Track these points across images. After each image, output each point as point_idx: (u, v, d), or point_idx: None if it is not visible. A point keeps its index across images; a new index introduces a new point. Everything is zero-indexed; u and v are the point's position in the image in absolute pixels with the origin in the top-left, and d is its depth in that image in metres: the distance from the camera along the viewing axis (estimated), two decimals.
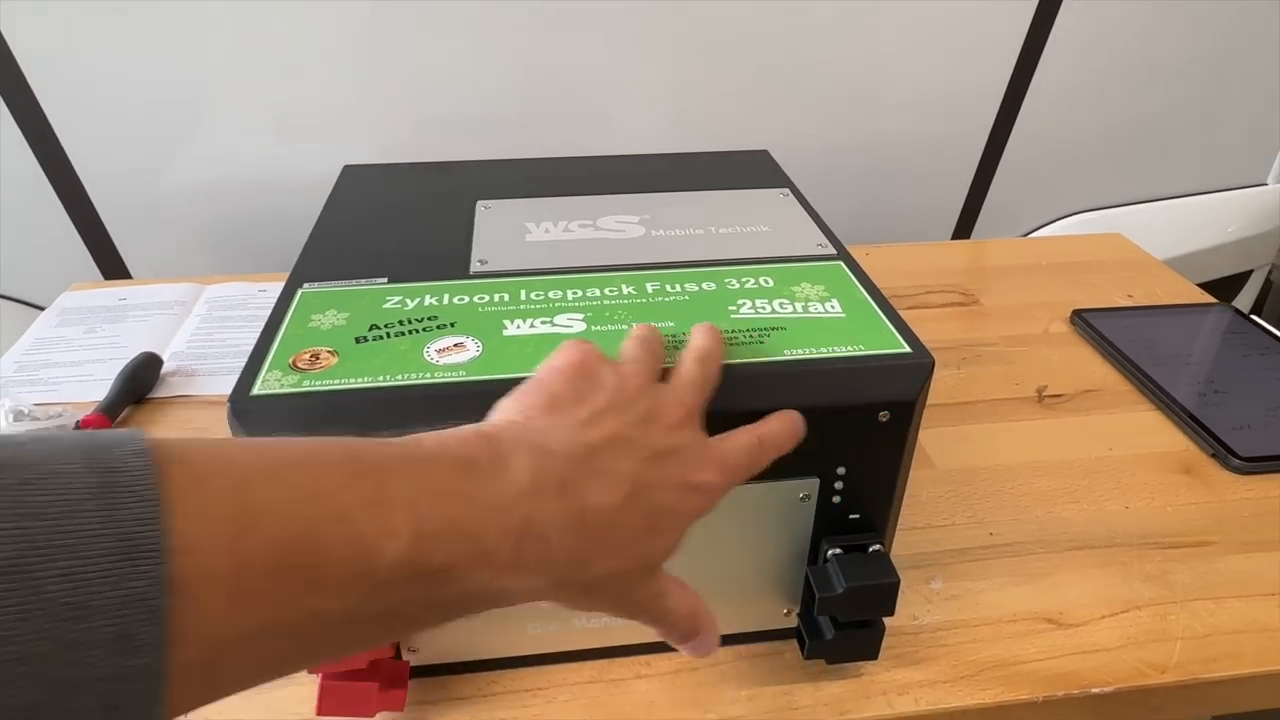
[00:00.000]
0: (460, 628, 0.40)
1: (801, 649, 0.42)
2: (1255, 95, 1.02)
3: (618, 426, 0.29)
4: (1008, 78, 0.94)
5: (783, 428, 0.35)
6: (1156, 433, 0.60)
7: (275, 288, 0.78)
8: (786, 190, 0.56)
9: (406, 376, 0.36)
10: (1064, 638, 0.45)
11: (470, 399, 0.35)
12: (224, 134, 0.83)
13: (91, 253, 0.87)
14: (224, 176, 0.85)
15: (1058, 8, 0.90)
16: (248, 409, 0.34)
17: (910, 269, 0.81)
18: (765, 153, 0.63)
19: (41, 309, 0.87)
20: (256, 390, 0.35)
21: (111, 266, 0.89)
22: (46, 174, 0.82)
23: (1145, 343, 0.68)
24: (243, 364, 0.67)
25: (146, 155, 0.83)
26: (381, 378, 0.36)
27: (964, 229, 1.06)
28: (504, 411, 0.30)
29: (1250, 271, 1.20)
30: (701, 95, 0.89)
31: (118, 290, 0.76)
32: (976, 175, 1.01)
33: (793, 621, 0.43)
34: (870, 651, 0.41)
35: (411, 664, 0.41)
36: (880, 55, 0.89)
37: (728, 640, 0.44)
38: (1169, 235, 1.08)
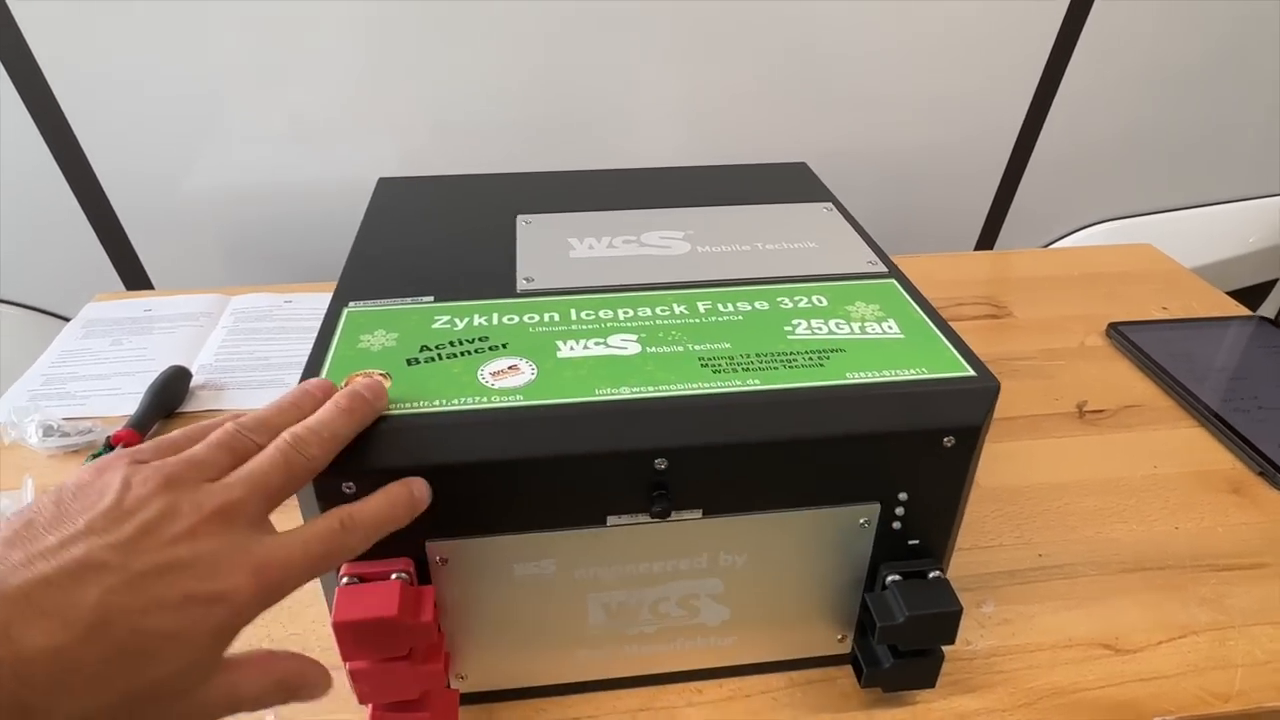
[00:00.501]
0: (508, 653, 0.40)
1: (857, 676, 0.41)
2: (1277, 104, 1.02)
3: (91, 550, 0.26)
4: (1034, 84, 0.93)
5: (392, 501, 0.32)
6: (1202, 450, 0.59)
7: (301, 299, 0.78)
8: (830, 205, 0.55)
9: (463, 401, 0.35)
10: (1122, 664, 0.44)
11: (529, 424, 0.35)
12: (243, 140, 0.82)
13: (112, 260, 0.87)
14: (242, 182, 0.85)
15: (1086, 13, 0.89)
16: None
17: (939, 279, 0.80)
18: (804, 165, 0.62)
19: (62, 318, 0.87)
20: None
21: (132, 274, 0.88)
22: (68, 180, 0.81)
23: (1184, 356, 0.67)
24: (272, 377, 0.66)
25: (167, 162, 0.82)
26: (438, 402, 0.35)
27: (988, 237, 1.05)
28: None
29: (1274, 281, 1.19)
30: (720, 101, 0.88)
31: (142, 301, 0.75)
32: (1002, 183, 1.00)
33: (847, 647, 0.42)
34: (928, 680, 0.41)
35: (460, 691, 0.40)
36: (903, 61, 0.89)
37: (781, 666, 0.43)
38: (1191, 244, 1.07)
